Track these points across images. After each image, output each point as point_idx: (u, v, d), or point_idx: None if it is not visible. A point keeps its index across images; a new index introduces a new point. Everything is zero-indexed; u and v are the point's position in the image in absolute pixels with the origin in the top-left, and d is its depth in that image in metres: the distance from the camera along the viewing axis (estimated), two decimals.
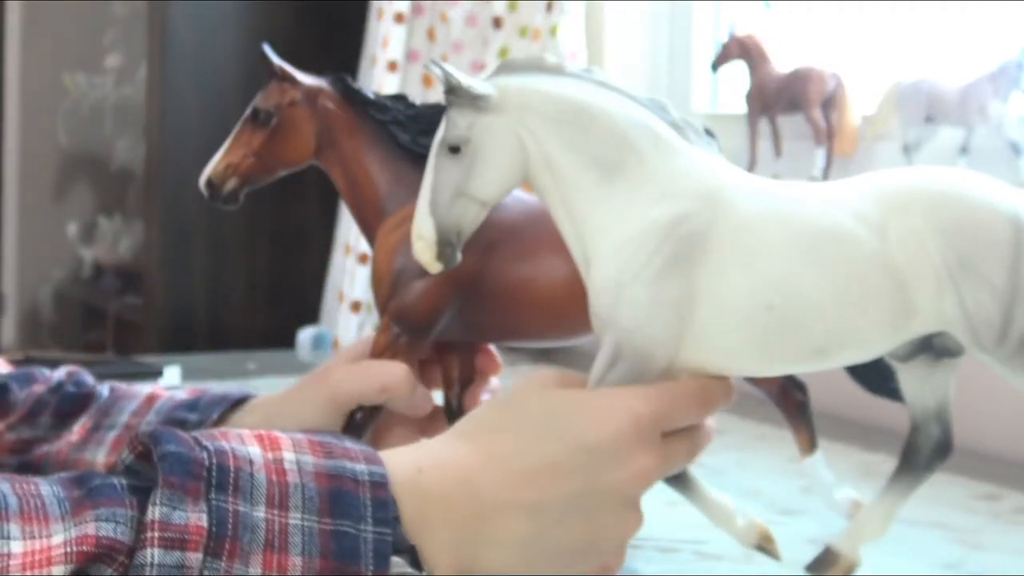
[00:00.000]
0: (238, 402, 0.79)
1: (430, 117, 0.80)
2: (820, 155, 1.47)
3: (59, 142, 3.08)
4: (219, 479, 0.50)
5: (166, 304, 2.07)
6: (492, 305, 0.78)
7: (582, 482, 0.57)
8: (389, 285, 0.77)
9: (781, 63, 1.55)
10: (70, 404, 0.80)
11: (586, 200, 0.63)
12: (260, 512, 0.50)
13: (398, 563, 0.54)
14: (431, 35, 1.90)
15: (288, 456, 0.52)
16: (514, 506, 0.56)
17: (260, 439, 0.53)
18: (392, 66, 1.87)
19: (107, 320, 2.70)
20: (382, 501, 0.52)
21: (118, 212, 2.83)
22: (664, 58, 1.84)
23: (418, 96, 1.91)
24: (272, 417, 0.76)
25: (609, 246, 0.62)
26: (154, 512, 0.48)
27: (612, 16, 1.81)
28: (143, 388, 0.82)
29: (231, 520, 0.49)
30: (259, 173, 0.79)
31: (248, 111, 0.79)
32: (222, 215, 2.11)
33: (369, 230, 0.81)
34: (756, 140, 1.56)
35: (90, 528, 0.47)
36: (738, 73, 1.61)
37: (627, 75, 1.79)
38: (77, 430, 0.79)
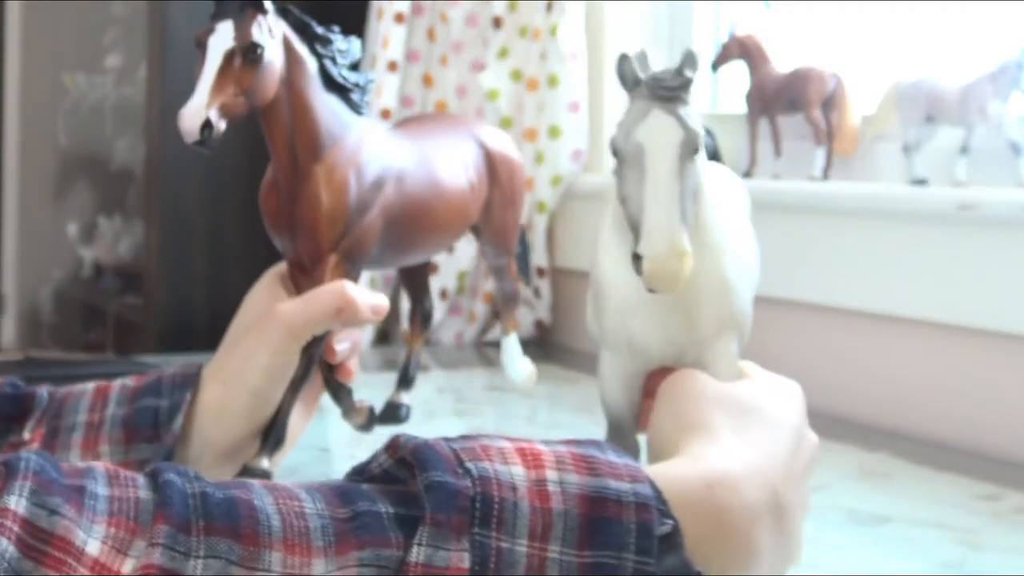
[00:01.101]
0: (198, 374, 0.76)
1: (354, 54, 0.80)
2: (820, 155, 1.47)
3: (59, 142, 3.08)
4: (483, 512, 0.47)
5: (166, 304, 2.07)
6: (399, 232, 0.80)
7: (807, 466, 0.59)
8: (344, 223, 0.77)
9: (781, 63, 1.55)
10: (11, 406, 0.76)
11: (714, 179, 0.59)
12: (521, 547, 0.47)
13: None
14: (431, 35, 1.90)
15: (551, 476, 0.49)
16: (798, 503, 0.56)
17: (523, 455, 0.50)
18: (392, 66, 1.87)
19: (107, 320, 2.70)
20: (646, 526, 0.48)
21: (118, 212, 2.83)
22: (664, 58, 1.84)
23: (418, 96, 1.91)
24: (232, 381, 0.75)
25: (736, 241, 0.59)
26: (418, 554, 0.46)
27: (612, 16, 1.81)
28: (87, 384, 0.78)
29: (493, 558, 0.46)
30: (241, 113, 0.75)
31: (231, 46, 0.74)
32: (222, 215, 2.12)
33: (299, 172, 0.78)
34: (756, 140, 1.56)
35: (351, 573, 0.45)
36: (738, 73, 1.61)
37: None
38: (30, 437, 0.75)
